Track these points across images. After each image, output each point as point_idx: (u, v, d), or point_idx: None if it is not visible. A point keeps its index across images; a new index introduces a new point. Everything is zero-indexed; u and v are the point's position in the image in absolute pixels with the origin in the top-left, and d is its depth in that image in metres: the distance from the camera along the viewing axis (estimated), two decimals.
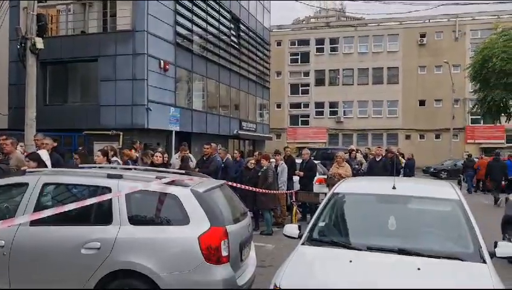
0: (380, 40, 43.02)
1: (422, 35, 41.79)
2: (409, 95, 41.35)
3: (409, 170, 15.96)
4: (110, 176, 4.70)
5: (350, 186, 5.03)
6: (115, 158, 7.96)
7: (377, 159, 11.01)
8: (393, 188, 4.25)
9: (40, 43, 9.34)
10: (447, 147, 33.78)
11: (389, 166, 10.37)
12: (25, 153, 7.93)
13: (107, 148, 7.70)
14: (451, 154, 32.35)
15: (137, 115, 14.83)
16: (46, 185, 4.62)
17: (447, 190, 4.53)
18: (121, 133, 14.58)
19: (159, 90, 15.53)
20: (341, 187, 4.77)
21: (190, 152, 11.43)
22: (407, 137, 41.48)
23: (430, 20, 42.23)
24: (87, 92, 16.03)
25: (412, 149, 25.03)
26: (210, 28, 20.00)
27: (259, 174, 9.41)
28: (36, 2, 9.65)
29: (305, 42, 45.22)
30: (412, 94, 41.26)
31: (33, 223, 4.36)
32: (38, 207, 4.49)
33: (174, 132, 13.60)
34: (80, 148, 8.92)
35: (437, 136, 40.70)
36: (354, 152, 13.57)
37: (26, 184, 4.66)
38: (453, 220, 4.08)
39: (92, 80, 15.73)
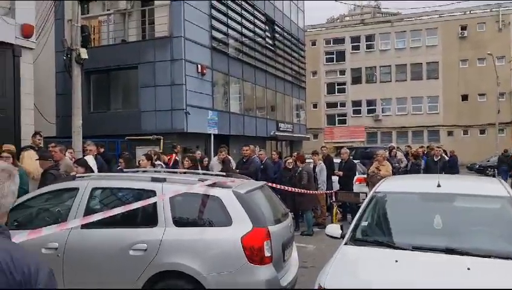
0: (418, 35, 41.91)
1: (463, 28, 40.37)
2: (450, 90, 40.04)
3: (451, 167, 15.36)
4: (154, 180, 4.84)
5: (392, 185, 4.95)
6: (158, 162, 8.19)
7: (435, 159, 10.69)
8: (438, 186, 4.15)
9: (84, 54, 9.71)
10: (493, 143, 32.42)
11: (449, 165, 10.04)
12: (73, 159, 8.29)
13: (151, 152, 7.95)
14: (498, 150, 31.03)
15: (177, 120, 15.15)
16: (94, 189, 4.81)
17: (496, 187, 4.38)
18: (162, 138, 14.93)
19: (197, 95, 15.80)
20: (383, 186, 4.70)
21: (229, 154, 11.56)
22: (450, 133, 40.17)
23: (471, 12, 40.73)
24: (129, 98, 16.52)
25: (455, 146, 24.22)
26: (245, 31, 20.15)
27: (296, 175, 9.42)
28: (80, 14, 10.04)
29: (340, 40, 44.70)
30: (453, 89, 39.91)
31: (84, 225, 4.56)
32: (88, 210, 4.68)
33: (212, 135, 13.79)
34: (125, 153, 9.22)
35: (482, 132, 39.17)
36: (394, 150, 13.29)
37: (77, 189, 4.86)
38: (505, 218, 3.94)
39: (132, 86, 16.20)
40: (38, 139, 8.93)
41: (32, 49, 9.45)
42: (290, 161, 9.78)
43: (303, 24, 30.45)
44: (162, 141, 14.89)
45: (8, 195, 1.72)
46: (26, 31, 9.07)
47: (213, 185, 4.70)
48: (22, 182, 6.74)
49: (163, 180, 4.83)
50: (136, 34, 16.46)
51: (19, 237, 3.39)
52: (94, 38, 15.11)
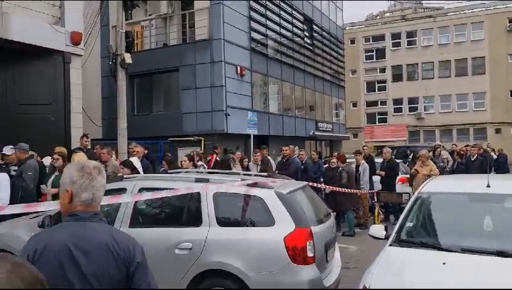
0: (463, 29, 40.40)
1: (511, 21, 38.58)
2: (498, 86, 38.33)
3: (498, 166, 14.65)
4: (198, 180, 4.96)
5: (438, 185, 4.83)
6: (200, 163, 8.35)
7: (472, 159, 10.37)
8: (488, 186, 4.01)
9: (128, 58, 10.04)
10: None
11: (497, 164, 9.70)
12: (118, 161, 8.59)
13: (193, 153, 8.12)
14: None
15: (217, 121, 15.37)
16: (141, 189, 4.97)
17: None
18: (203, 139, 15.19)
19: (236, 96, 15.97)
20: (428, 186, 4.59)
21: (268, 154, 11.62)
22: (498, 131, 38.44)
23: None
24: (170, 101, 16.91)
25: (503, 144, 23.19)
26: (283, 31, 20.15)
27: (336, 174, 9.34)
28: (124, 20, 10.40)
29: (380, 38, 43.79)
30: (501, 84, 38.20)
31: (132, 225, 4.73)
32: (135, 210, 4.86)
33: (252, 136, 13.89)
34: (168, 154, 9.46)
35: None
36: (439, 149, 12.89)
37: (124, 189, 5.04)
38: None
39: (174, 89, 16.58)
40: (86, 141, 9.32)
41: (80, 55, 9.88)
42: (334, 160, 9.71)
43: (342, 22, 30.09)
44: (202, 142, 15.14)
45: (100, 188, 1.97)
46: (75, 39, 9.49)
47: (254, 185, 4.76)
48: None
49: (207, 180, 4.93)
50: (177, 38, 16.83)
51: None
52: (137, 43, 15.57)
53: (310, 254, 4.19)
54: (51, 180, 7.10)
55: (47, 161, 7.94)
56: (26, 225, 5.62)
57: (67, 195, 1.93)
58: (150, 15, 16.62)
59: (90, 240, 1.86)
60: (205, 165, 8.79)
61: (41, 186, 6.92)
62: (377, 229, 4.24)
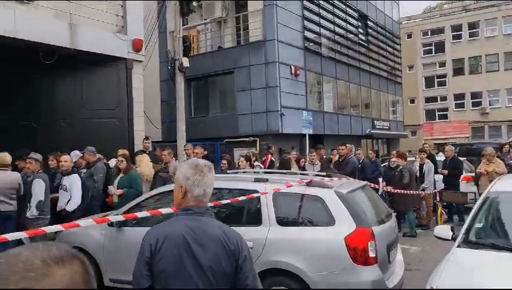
0: None
1: None
2: None
3: None
4: (257, 180, 5.04)
5: (508, 184, 4.59)
6: (256, 163, 8.45)
7: None
8: None
9: (186, 62, 10.37)
10: None
11: None
12: (177, 161, 8.89)
13: (250, 153, 8.24)
14: None
15: (272, 121, 15.45)
16: None
17: None
18: (258, 139, 15.33)
19: (291, 96, 15.98)
20: (499, 185, 4.38)
21: (325, 154, 11.52)
22: None
23: None
24: (226, 102, 17.23)
25: None
26: (337, 29, 19.89)
27: (396, 174, 9.09)
28: (181, 25, 10.75)
29: (439, 31, 41.92)
30: None
31: None
32: None
33: (307, 135, 13.84)
34: (226, 155, 9.66)
35: None
36: (507, 146, 12.17)
37: None
38: None
39: (229, 91, 16.87)
40: (147, 143, 9.73)
41: (141, 61, 10.32)
42: (394, 159, 9.45)
43: (398, 17, 29.18)
44: (258, 142, 15.28)
45: (210, 185, 2.13)
46: (137, 46, 9.94)
47: (313, 184, 4.77)
48: (137, 183, 7.40)
49: (266, 180, 5.00)
50: (232, 40, 17.11)
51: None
52: (193, 47, 15.99)
53: (371, 254, 4.14)
54: (116, 181, 7.47)
55: (112, 163, 8.37)
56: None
57: (181, 190, 2.08)
58: (205, 19, 17.02)
59: (204, 233, 2.00)
60: (261, 165, 8.89)
61: (108, 187, 7.30)
62: (443, 230, 4.10)
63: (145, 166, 8.09)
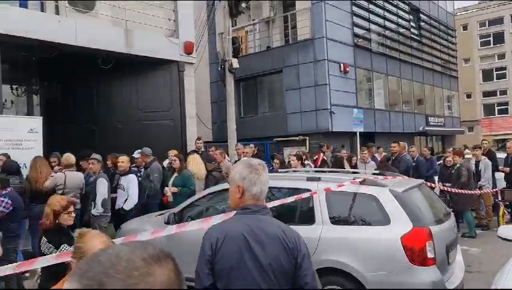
0: None
1: None
2: None
3: None
4: (309, 179, 5.04)
5: None
6: (307, 161, 8.44)
7: None
8: None
9: (236, 63, 10.54)
10: None
11: None
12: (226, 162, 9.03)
13: (300, 152, 8.24)
14: None
15: (322, 119, 15.31)
16: None
17: None
18: (307, 138, 15.26)
19: (340, 93, 15.76)
20: None
21: (375, 152, 11.29)
22: None
23: None
24: (275, 102, 17.27)
25: None
26: (388, 24, 19.38)
27: (453, 172, 8.74)
28: (231, 27, 10.92)
29: (498, 21, 39.80)
30: None
31: None
32: None
33: (358, 133, 13.60)
34: (277, 154, 9.71)
35: None
36: None
37: None
38: None
39: (278, 90, 16.90)
40: (199, 144, 9.97)
41: (193, 63, 10.58)
42: (450, 158, 9.09)
43: (452, 8, 27.95)
44: (307, 141, 15.22)
45: (266, 183, 2.15)
46: (188, 48, 10.21)
47: (367, 183, 4.70)
48: (190, 182, 7.61)
49: (318, 179, 4.98)
50: (280, 40, 17.13)
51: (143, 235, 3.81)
52: (242, 48, 16.18)
53: (430, 255, 4.02)
54: (171, 180, 7.73)
55: (165, 163, 8.64)
56: (154, 221, 6.19)
57: (239, 190, 2.11)
58: (253, 20, 17.16)
59: (263, 232, 2.03)
60: (312, 164, 8.85)
61: (165, 188, 7.56)
62: (508, 230, 3.92)
63: (196, 165, 8.30)
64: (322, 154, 10.56)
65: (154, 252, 0.77)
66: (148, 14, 9.56)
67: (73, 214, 3.88)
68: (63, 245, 3.58)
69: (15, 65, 9.55)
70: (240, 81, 16.18)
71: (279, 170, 7.04)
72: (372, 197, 4.45)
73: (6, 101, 10.13)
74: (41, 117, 8.32)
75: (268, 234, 2.02)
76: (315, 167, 9.12)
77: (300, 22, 16.02)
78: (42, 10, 8.92)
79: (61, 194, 6.61)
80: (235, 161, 8.02)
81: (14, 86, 11.47)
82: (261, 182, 2.12)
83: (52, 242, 3.60)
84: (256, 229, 2.02)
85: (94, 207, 6.48)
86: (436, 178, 9.82)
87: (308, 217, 4.76)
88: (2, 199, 5.38)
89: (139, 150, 8.17)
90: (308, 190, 4.79)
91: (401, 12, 20.56)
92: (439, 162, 11.06)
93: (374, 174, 5.65)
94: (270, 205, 3.90)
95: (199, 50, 13.44)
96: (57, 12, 8.99)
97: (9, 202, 5.38)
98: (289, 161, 8.63)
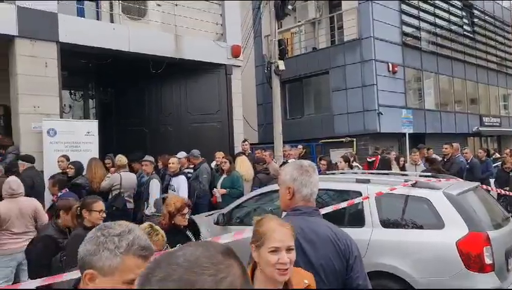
0: None
1: None
2: None
3: None
4: (358, 181, 4.98)
5: None
6: (355, 163, 8.33)
7: None
8: None
9: (282, 65, 10.58)
10: None
11: None
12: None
13: (348, 154, 8.15)
14: None
15: (369, 121, 15.03)
16: None
17: None
18: (354, 140, 15.03)
19: (388, 94, 15.40)
20: None
21: (427, 154, 10.93)
22: None
23: None
24: (321, 103, 17.13)
25: None
26: (439, 21, 18.72)
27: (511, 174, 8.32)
28: (277, 29, 10.98)
29: None
30: None
31: None
32: None
33: (407, 134, 13.25)
34: (324, 156, 9.65)
35: None
36: None
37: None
38: None
39: (324, 91, 16.75)
40: (245, 145, 10.08)
41: (239, 66, 10.73)
42: (509, 165, 8.61)
43: (509, 3, 26.59)
44: (355, 142, 14.99)
45: (316, 184, 2.17)
46: (235, 52, 10.37)
47: (419, 185, 4.59)
48: (238, 184, 7.73)
49: (368, 181, 4.92)
50: (326, 41, 16.99)
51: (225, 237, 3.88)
52: (287, 50, 16.20)
53: (487, 261, 3.87)
54: (220, 181, 7.87)
55: (213, 164, 8.81)
56: (204, 221, 6.33)
57: (289, 192, 2.13)
58: (299, 21, 17.12)
59: (314, 232, 2.04)
60: (360, 166, 8.72)
61: (214, 189, 7.71)
62: None
63: (244, 167, 8.40)
64: (379, 156, 10.33)
65: (222, 247, 0.83)
66: (196, 19, 9.80)
67: (188, 216, 3.99)
68: (178, 245, 3.72)
69: (73, 72, 10.08)
70: (286, 83, 16.19)
71: (327, 172, 7.00)
72: (424, 200, 4.34)
73: (65, 105, 10.69)
74: (97, 120, 8.72)
75: (319, 235, 2.02)
76: (374, 168, 8.94)
77: (347, 22, 15.82)
78: (98, 19, 9.37)
79: (118, 194, 6.92)
80: (283, 163, 8.05)
81: (72, 91, 12.11)
82: (312, 184, 2.13)
83: (168, 242, 3.72)
84: (307, 230, 2.02)
85: (147, 207, 6.71)
86: (492, 181, 9.39)
87: (357, 219, 4.72)
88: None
89: (184, 152, 8.39)
90: (358, 192, 4.75)
91: (452, 9, 19.82)
92: (495, 165, 10.56)
93: (426, 176, 5.49)
94: (323, 211, 3.90)
95: (245, 53, 13.59)
96: (112, 21, 9.42)
97: None
98: (336, 163, 8.56)
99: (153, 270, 0.77)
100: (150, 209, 6.69)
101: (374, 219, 4.55)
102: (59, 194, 5.81)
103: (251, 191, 7.45)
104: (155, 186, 6.75)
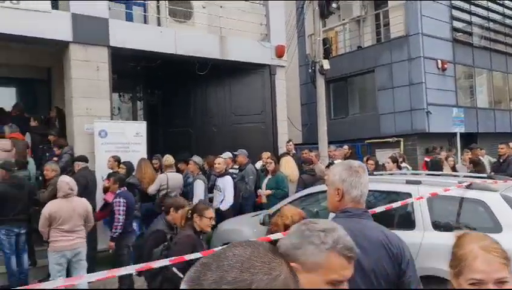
0: None
1: None
2: None
3: None
4: (409, 182, 4.83)
5: None
6: (404, 164, 8.09)
7: None
8: None
9: (326, 65, 10.44)
10: None
11: None
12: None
13: (396, 154, 7.93)
14: None
15: (417, 120, 14.55)
16: None
17: None
18: (401, 140, 14.61)
19: (438, 92, 14.84)
20: None
21: (479, 154, 10.45)
22: None
23: None
24: (366, 102, 16.78)
25: None
26: (492, 15, 17.86)
27: None
28: (321, 28, 10.85)
29: None
30: None
31: None
32: None
33: (458, 134, 12.74)
34: (371, 156, 9.45)
35: None
36: None
37: None
38: None
39: (369, 90, 16.40)
40: (290, 146, 10.05)
41: (284, 66, 10.71)
42: None
43: None
44: (402, 142, 14.58)
45: (366, 185, 2.10)
46: (279, 52, 10.35)
47: (474, 187, 4.39)
48: (284, 185, 7.70)
49: (418, 182, 4.76)
50: (371, 39, 16.63)
51: None
52: (332, 49, 16.00)
53: None
54: (265, 182, 7.88)
55: (258, 165, 8.83)
56: (250, 222, 6.36)
57: (338, 193, 2.06)
58: (343, 20, 16.87)
59: (365, 236, 1.96)
60: (409, 167, 8.46)
61: (259, 189, 7.74)
62: None
63: (290, 168, 8.37)
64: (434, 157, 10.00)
65: (269, 245, 0.84)
66: (240, 20, 9.87)
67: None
68: None
69: (123, 75, 10.41)
70: (330, 82, 15.99)
71: (374, 173, 6.84)
72: (480, 202, 4.15)
73: (114, 107, 11.08)
74: (146, 122, 8.97)
75: (370, 239, 1.96)
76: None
77: (393, 19, 15.40)
78: (145, 22, 9.64)
79: (165, 194, 7.08)
80: (329, 164, 7.94)
81: (121, 94, 12.52)
82: (362, 185, 2.06)
83: None
84: (357, 233, 1.96)
85: None
86: None
87: (407, 222, 4.58)
88: (118, 199, 5.91)
89: (228, 152, 8.46)
90: (408, 194, 4.61)
91: (507, 2, 18.85)
92: None
93: (481, 177, 5.25)
94: (376, 210, 3.81)
95: (289, 52, 13.54)
96: (159, 24, 9.66)
97: (124, 200, 5.90)
98: (383, 164, 8.35)
99: (203, 273, 0.75)
100: None
101: (425, 222, 4.40)
102: (117, 191, 6.04)
103: (296, 192, 7.41)
104: (199, 187, 6.86)
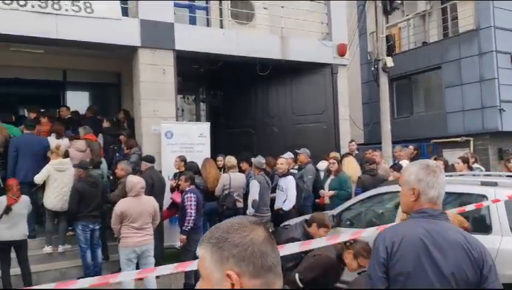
0: None
1: None
2: None
3: None
4: (484, 184, 4.58)
5: None
6: (476, 165, 7.68)
7: None
8: None
9: (390, 62, 10.16)
10: None
11: None
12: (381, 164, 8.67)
13: (467, 155, 7.54)
14: None
15: (488, 118, 13.72)
16: None
17: None
18: (471, 139, 13.85)
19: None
20: None
21: None
22: None
23: None
24: (431, 100, 16.08)
25: None
26: None
27: None
28: (384, 25, 10.56)
29: None
30: None
31: None
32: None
33: None
34: (440, 156, 9.07)
35: None
36: None
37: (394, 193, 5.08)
38: None
39: (435, 88, 15.70)
40: (352, 146, 9.87)
41: (345, 65, 10.53)
42: None
43: None
44: (471, 142, 13.81)
45: (444, 186, 2.05)
46: (341, 50, 10.19)
47: None
48: (347, 185, 7.58)
49: (495, 184, 4.51)
50: (437, 34, 15.92)
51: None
52: (395, 46, 15.50)
53: None
54: (327, 183, 7.79)
55: (321, 165, 8.73)
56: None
57: (414, 193, 2.01)
58: (407, 15, 16.27)
59: (443, 238, 1.91)
60: (482, 168, 8.00)
61: (321, 190, 7.66)
62: None
63: (352, 169, 8.22)
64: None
65: (254, 219, 1.17)
66: (301, 19, 9.83)
67: None
68: None
69: (186, 77, 10.73)
70: (393, 80, 15.50)
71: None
72: None
73: (179, 109, 11.45)
74: (209, 123, 9.19)
75: (449, 241, 1.88)
76: None
77: (462, 13, 14.62)
78: (208, 25, 9.88)
79: (227, 194, 7.22)
80: (394, 164, 7.70)
81: (185, 96, 12.91)
82: (439, 185, 2.00)
83: None
84: (435, 234, 1.90)
85: (248, 208, 6.93)
86: None
87: (482, 225, 4.35)
88: (189, 195, 6.15)
89: (289, 152, 8.45)
90: (483, 196, 4.37)
91: None
92: None
93: None
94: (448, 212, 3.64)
95: (350, 51, 13.29)
96: (221, 26, 9.86)
97: (195, 196, 6.13)
98: (453, 164, 7.96)
99: (205, 234, 1.16)
100: (248, 210, 6.87)
101: (503, 226, 4.15)
102: (187, 188, 6.28)
103: (354, 192, 7.28)
104: (254, 187, 6.94)
